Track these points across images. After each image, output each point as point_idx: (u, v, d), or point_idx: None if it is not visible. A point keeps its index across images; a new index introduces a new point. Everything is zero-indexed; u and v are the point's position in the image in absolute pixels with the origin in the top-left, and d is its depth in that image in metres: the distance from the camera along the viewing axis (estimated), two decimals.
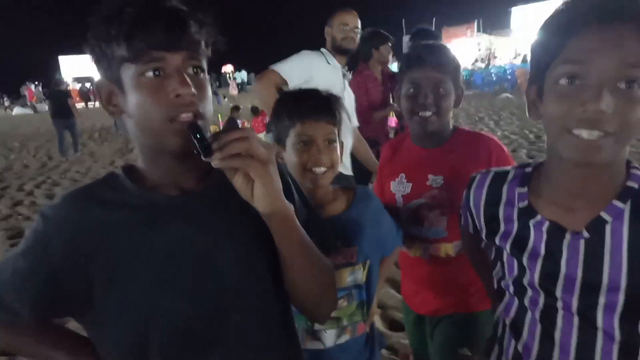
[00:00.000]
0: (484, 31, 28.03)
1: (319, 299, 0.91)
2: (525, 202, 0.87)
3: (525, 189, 0.88)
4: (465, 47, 27.78)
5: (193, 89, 0.73)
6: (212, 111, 0.81)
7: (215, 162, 0.71)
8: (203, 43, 0.77)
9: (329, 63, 2.65)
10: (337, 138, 1.23)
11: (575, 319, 0.81)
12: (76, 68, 36.55)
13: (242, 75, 31.84)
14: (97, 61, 0.77)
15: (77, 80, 35.26)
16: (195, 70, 0.76)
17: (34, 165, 8.88)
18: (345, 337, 1.28)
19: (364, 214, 1.28)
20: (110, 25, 0.72)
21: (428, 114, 1.35)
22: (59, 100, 9.83)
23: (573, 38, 0.71)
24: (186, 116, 0.74)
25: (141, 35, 0.71)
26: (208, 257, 0.80)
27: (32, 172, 8.20)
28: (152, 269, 0.77)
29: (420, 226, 1.45)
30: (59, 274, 0.75)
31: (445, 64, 1.37)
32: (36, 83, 32.29)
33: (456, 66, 1.42)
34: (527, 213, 0.86)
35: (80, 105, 22.75)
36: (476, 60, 25.18)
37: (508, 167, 0.95)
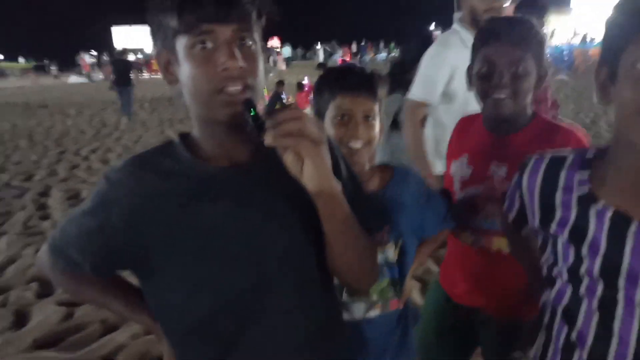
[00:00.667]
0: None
1: (360, 273, 0.93)
2: (586, 189, 0.83)
3: (586, 175, 0.84)
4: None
5: (241, 62, 0.74)
6: (263, 84, 0.82)
7: (268, 140, 0.72)
8: (255, 14, 0.78)
9: (466, 46, 2.01)
10: (377, 116, 1.21)
11: (637, 311, 0.79)
12: (128, 39, 37.61)
13: (287, 50, 31.73)
14: (155, 31, 0.80)
15: (130, 50, 36.28)
16: (245, 42, 0.77)
17: (89, 131, 9.29)
18: (375, 312, 1.29)
19: (401, 194, 1.27)
20: None
21: (502, 95, 1.21)
22: (122, 68, 10.42)
23: None
24: (234, 89, 0.75)
25: (191, 8, 0.73)
26: (254, 229, 0.82)
27: (88, 138, 8.60)
28: (200, 239, 0.79)
29: (475, 215, 1.35)
30: (118, 237, 0.80)
31: (526, 39, 1.21)
32: (91, 53, 33.42)
33: (539, 41, 1.24)
34: (587, 200, 0.82)
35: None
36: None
37: (566, 151, 0.91)
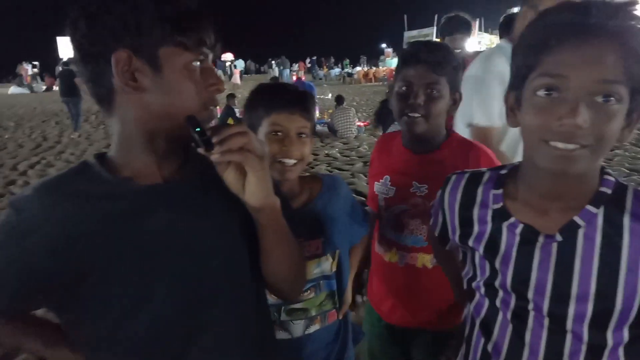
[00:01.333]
0: (485, 30, 27.99)
1: (293, 282, 0.96)
2: (500, 204, 0.87)
3: (500, 191, 0.88)
4: (467, 44, 27.78)
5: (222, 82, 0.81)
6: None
7: (215, 156, 0.72)
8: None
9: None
10: (310, 133, 1.24)
11: (546, 321, 0.83)
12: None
13: (240, 64, 31.74)
14: (122, 31, 0.72)
15: None
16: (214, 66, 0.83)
17: (28, 145, 8.82)
18: (314, 327, 1.29)
19: (331, 205, 1.28)
20: (164, 6, 0.72)
21: (416, 115, 1.28)
22: (69, 78, 9.94)
23: (551, 51, 0.72)
24: (212, 111, 0.82)
25: (202, 29, 0.76)
26: (194, 243, 0.80)
27: (27, 152, 8.16)
28: (139, 258, 0.76)
29: (400, 232, 1.41)
30: (39, 270, 0.73)
31: (442, 63, 1.28)
32: (33, 63, 31.97)
33: (455, 67, 1.32)
34: (501, 215, 0.87)
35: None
36: None
37: (483, 169, 0.96)
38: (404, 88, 1.31)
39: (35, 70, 31.41)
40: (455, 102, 1.35)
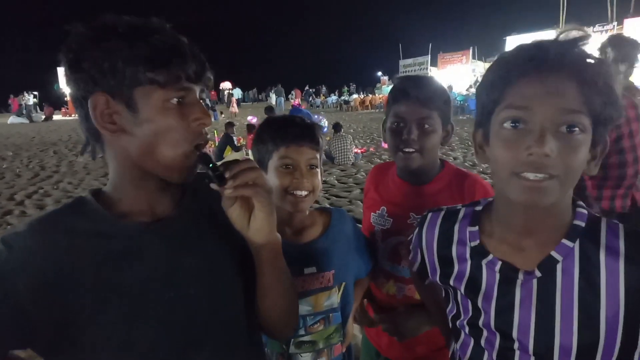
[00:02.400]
0: (479, 58, 28.49)
1: (287, 321, 0.94)
2: (477, 241, 0.87)
3: (476, 228, 0.89)
4: (460, 73, 28.19)
5: (210, 118, 0.79)
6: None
7: (228, 191, 0.74)
8: (211, 76, 0.81)
9: None
10: (319, 164, 1.26)
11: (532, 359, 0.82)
12: None
13: (238, 92, 32.17)
14: (101, 75, 0.73)
15: None
16: (204, 100, 0.81)
17: (26, 174, 8.80)
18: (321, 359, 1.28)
19: (340, 238, 1.30)
20: (136, 46, 0.72)
21: (411, 150, 1.29)
22: None
23: (514, 85, 0.75)
24: (202, 150, 0.79)
25: (178, 64, 0.74)
26: (183, 286, 0.79)
27: (24, 181, 8.13)
28: (127, 301, 0.75)
29: (397, 264, 1.40)
30: (27, 309, 0.70)
31: (433, 98, 1.29)
32: (33, 93, 32.24)
33: (445, 101, 1.33)
34: (479, 252, 0.87)
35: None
36: (470, 86, 25.54)
37: (459, 205, 0.96)
38: (395, 124, 1.31)
39: (35, 100, 31.64)
40: (448, 134, 1.36)
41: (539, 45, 0.75)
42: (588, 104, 0.72)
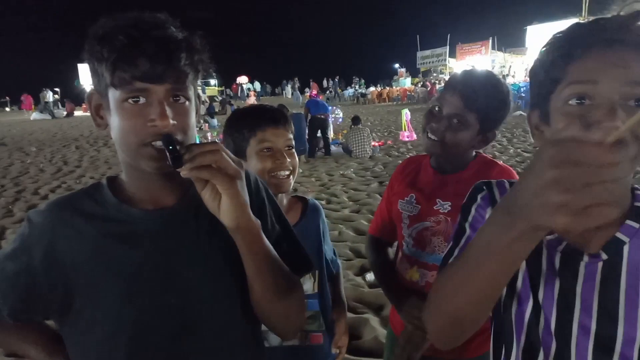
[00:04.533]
0: (499, 49, 28.04)
1: (285, 317, 0.91)
2: None
3: None
4: (480, 64, 27.81)
5: (171, 120, 0.75)
6: (194, 137, 0.83)
7: (184, 172, 0.73)
8: (191, 72, 0.78)
9: None
10: (293, 145, 1.33)
11: (592, 343, 0.79)
12: None
13: (257, 85, 32.31)
14: (92, 74, 0.80)
15: None
16: (179, 98, 0.78)
17: (49, 169, 9.01)
18: (293, 342, 1.32)
19: (313, 227, 1.37)
20: (102, 47, 0.74)
21: (433, 137, 1.33)
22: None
23: (577, 61, 0.73)
24: (159, 144, 0.76)
25: (126, 66, 0.73)
26: (177, 273, 0.82)
27: (48, 176, 8.32)
28: (120, 282, 0.80)
29: (422, 250, 1.42)
30: (40, 279, 0.80)
31: (474, 99, 1.27)
32: (56, 90, 32.89)
33: (494, 107, 1.30)
34: None
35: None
36: None
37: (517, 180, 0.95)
38: (434, 109, 1.36)
39: (57, 96, 32.28)
40: (486, 140, 1.35)
41: (599, 21, 0.74)
42: None
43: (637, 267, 0.76)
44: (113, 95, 0.77)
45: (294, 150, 1.32)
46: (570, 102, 0.73)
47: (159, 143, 0.76)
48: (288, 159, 1.28)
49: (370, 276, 3.51)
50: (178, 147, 0.75)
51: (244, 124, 1.30)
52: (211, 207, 0.77)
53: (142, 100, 0.75)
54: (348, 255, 4.03)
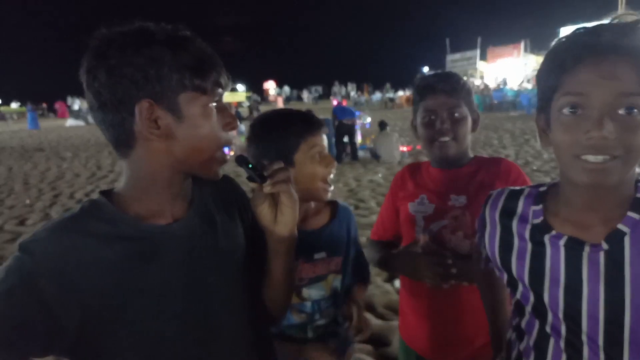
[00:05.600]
0: (532, 51, 27.46)
1: (284, 305, 1.02)
2: (540, 218, 0.89)
3: (540, 207, 0.91)
4: (512, 67, 27.26)
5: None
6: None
7: (268, 187, 0.83)
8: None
9: None
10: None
11: (602, 354, 0.81)
12: None
13: (287, 90, 32.59)
14: (144, 82, 0.74)
15: None
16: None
17: (84, 174, 9.28)
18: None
19: (344, 227, 1.38)
20: (179, 54, 0.76)
21: (447, 139, 1.36)
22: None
23: (571, 72, 0.77)
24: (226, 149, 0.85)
25: (217, 72, 0.81)
26: (200, 282, 0.84)
27: (83, 180, 8.57)
28: (148, 301, 0.78)
29: (443, 249, 1.37)
30: (54, 313, 0.70)
31: (457, 89, 1.37)
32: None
33: (467, 90, 1.41)
34: (542, 229, 0.88)
35: None
36: (522, 81, 24.63)
37: (524, 186, 0.99)
38: (427, 118, 1.39)
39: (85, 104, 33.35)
40: (475, 121, 1.42)
41: (592, 31, 0.77)
42: None
43: (639, 256, 0.79)
44: (193, 101, 0.78)
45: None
46: (563, 111, 0.78)
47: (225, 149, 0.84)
48: (332, 162, 1.29)
49: (399, 283, 3.46)
50: (255, 166, 0.84)
51: (291, 129, 1.25)
52: (267, 220, 0.86)
53: (218, 105, 0.83)
54: None
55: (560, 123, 0.79)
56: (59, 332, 0.71)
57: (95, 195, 0.84)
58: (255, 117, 1.36)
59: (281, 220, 0.85)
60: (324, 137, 1.30)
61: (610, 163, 0.74)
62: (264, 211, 0.85)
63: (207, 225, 0.88)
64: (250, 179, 0.84)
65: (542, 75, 0.84)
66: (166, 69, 0.75)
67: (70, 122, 27.16)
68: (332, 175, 1.29)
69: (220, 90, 0.82)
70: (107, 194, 0.83)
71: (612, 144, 0.73)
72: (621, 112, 0.73)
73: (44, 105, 38.08)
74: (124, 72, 0.74)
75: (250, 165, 0.84)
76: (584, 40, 0.77)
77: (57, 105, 34.01)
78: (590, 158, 0.75)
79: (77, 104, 31.38)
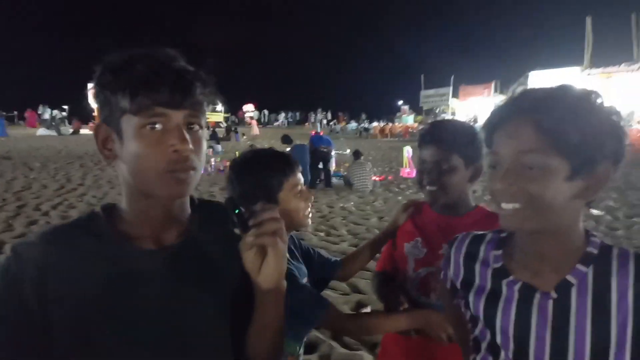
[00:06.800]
0: (501, 92, 28.51)
1: (271, 356, 0.93)
2: (500, 263, 0.96)
3: (500, 252, 0.98)
4: (482, 105, 28.21)
5: (190, 145, 0.78)
6: (204, 163, 0.86)
7: (250, 238, 0.76)
8: (204, 102, 0.82)
9: None
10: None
11: None
12: None
13: (265, 113, 32.65)
14: (101, 106, 0.80)
15: None
16: (193, 127, 0.81)
17: (52, 186, 9.05)
18: None
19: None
20: (118, 77, 0.76)
21: (433, 188, 1.42)
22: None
23: (494, 133, 0.89)
24: (184, 171, 0.79)
25: (147, 92, 0.75)
26: (179, 315, 0.82)
27: (50, 192, 8.35)
28: (123, 326, 0.77)
29: (427, 296, 1.44)
30: (34, 317, 0.74)
31: (449, 141, 1.40)
32: (63, 107, 33.28)
33: (468, 142, 1.42)
34: (500, 273, 0.95)
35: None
36: None
37: (486, 231, 1.07)
38: (420, 165, 1.47)
39: (64, 113, 32.66)
40: (477, 172, 1.44)
41: (510, 98, 0.89)
42: (551, 142, 0.80)
43: (585, 306, 0.85)
44: (129, 122, 0.77)
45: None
46: (488, 168, 0.90)
47: (180, 170, 0.78)
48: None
49: (367, 311, 3.51)
50: (243, 211, 0.78)
51: (276, 169, 1.33)
52: (251, 269, 0.79)
53: (158, 127, 0.77)
54: (345, 290, 4.04)
55: (488, 176, 0.90)
56: (41, 334, 0.75)
57: (98, 207, 0.87)
58: (233, 159, 1.41)
59: (264, 271, 0.78)
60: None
61: (519, 211, 0.83)
62: (248, 259, 0.78)
63: (195, 259, 0.86)
64: (233, 224, 0.78)
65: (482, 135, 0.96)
66: (108, 92, 0.78)
67: (41, 131, 26.48)
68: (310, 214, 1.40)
69: (160, 109, 0.77)
70: (108, 208, 0.87)
71: (516, 193, 0.83)
72: (525, 166, 0.82)
73: (14, 112, 37.04)
74: (96, 99, 0.81)
75: (237, 211, 0.77)
76: (505, 108, 0.88)
77: (27, 114, 33.12)
78: (503, 205, 0.85)
79: (47, 113, 30.70)
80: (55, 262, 0.77)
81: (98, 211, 0.86)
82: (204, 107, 0.83)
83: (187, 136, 0.78)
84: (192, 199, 0.94)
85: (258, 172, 1.32)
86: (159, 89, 0.76)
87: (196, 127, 0.82)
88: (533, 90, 0.87)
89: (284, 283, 0.83)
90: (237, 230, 0.78)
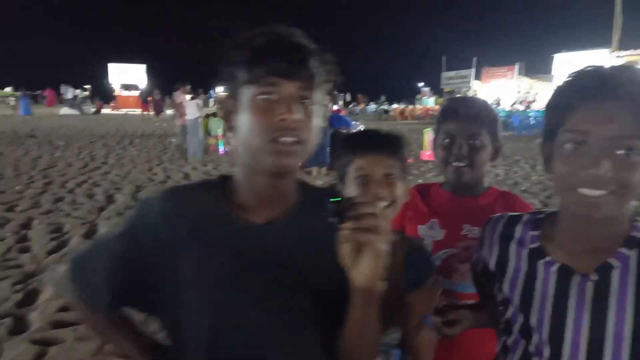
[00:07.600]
0: (525, 74, 27.86)
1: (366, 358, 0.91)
2: (537, 244, 0.95)
3: (537, 232, 0.97)
4: (505, 88, 27.63)
5: (298, 116, 0.78)
6: (317, 141, 0.86)
7: (345, 233, 0.74)
8: (319, 77, 0.82)
9: None
10: (401, 174, 1.18)
11: None
12: (123, 75, 38.51)
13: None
14: (225, 81, 0.85)
15: (124, 86, 37.37)
16: (305, 101, 0.81)
17: (76, 164, 9.25)
18: None
19: (417, 267, 1.21)
20: (239, 50, 0.81)
21: (462, 164, 1.36)
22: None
23: (575, 111, 0.83)
24: (287, 140, 0.78)
25: (262, 61, 0.78)
26: (268, 291, 0.83)
27: (75, 171, 8.54)
28: (213, 286, 0.82)
29: (449, 278, 1.39)
30: (141, 262, 0.84)
31: (481, 116, 1.37)
32: (84, 87, 33.73)
33: (493, 119, 1.40)
34: (537, 254, 0.94)
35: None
36: (515, 103, 24.99)
37: (522, 212, 1.05)
38: (446, 141, 1.40)
39: (86, 93, 33.12)
40: (497, 150, 1.42)
41: (597, 73, 0.84)
42: None
43: (625, 290, 0.84)
44: (246, 93, 0.80)
45: (396, 179, 1.16)
46: (565, 146, 0.84)
47: (285, 139, 0.78)
48: (384, 189, 1.14)
49: None
50: (341, 200, 0.74)
51: (343, 149, 1.21)
52: (347, 263, 0.76)
53: (272, 97, 0.79)
54: None
55: (562, 156, 0.84)
56: (147, 276, 0.85)
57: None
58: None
59: (361, 269, 0.75)
60: (382, 159, 1.16)
61: (604, 197, 0.79)
62: (344, 251, 0.75)
63: (300, 239, 0.85)
64: (328, 213, 0.74)
65: (549, 111, 0.89)
66: (230, 67, 0.83)
67: (64, 110, 26.96)
68: (379, 204, 1.11)
69: (272, 79, 0.78)
70: (225, 178, 0.92)
71: (607, 180, 0.78)
72: (619, 152, 0.78)
73: (40, 92, 37.68)
74: (222, 77, 0.86)
75: (334, 200, 0.74)
76: (589, 82, 0.82)
77: (46, 93, 33.65)
78: (586, 192, 0.80)
79: (70, 93, 31.13)
80: (178, 212, 0.85)
81: (217, 178, 0.92)
82: (318, 82, 0.82)
83: (297, 108, 0.78)
84: (303, 184, 0.94)
85: (336, 151, 1.27)
86: (274, 59, 0.78)
87: (309, 101, 0.82)
88: (623, 69, 0.82)
89: (381, 284, 0.79)
90: (331, 220, 0.74)
